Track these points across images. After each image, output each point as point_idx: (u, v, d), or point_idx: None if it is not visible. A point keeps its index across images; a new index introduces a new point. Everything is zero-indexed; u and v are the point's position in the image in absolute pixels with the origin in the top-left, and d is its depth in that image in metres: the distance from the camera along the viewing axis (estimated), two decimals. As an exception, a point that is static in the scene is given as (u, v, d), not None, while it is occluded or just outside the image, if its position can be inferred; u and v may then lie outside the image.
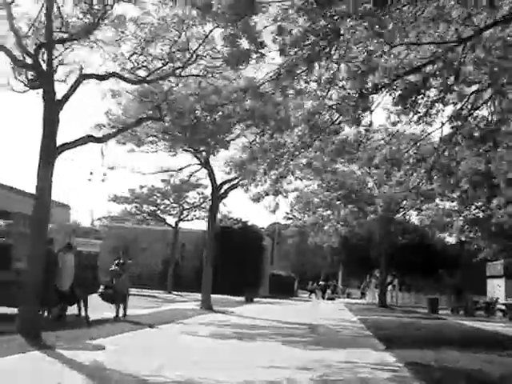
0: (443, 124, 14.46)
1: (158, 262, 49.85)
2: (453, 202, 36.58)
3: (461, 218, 39.99)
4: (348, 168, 34.13)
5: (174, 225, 47.27)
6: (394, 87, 12.77)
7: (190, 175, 26.97)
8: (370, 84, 12.29)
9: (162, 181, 44.10)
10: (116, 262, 16.67)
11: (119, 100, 19.71)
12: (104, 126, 19.87)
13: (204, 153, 25.19)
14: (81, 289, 15.94)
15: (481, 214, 39.61)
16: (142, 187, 45.95)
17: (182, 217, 47.06)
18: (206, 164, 25.00)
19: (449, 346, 13.96)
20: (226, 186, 25.46)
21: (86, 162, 25.31)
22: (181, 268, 50.09)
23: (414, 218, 44.00)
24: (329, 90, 13.55)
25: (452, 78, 13.22)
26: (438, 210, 37.66)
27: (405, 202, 28.86)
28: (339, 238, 41.75)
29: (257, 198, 16.00)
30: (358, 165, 27.60)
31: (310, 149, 15.07)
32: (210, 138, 19.46)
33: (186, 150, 23.94)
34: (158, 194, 46.45)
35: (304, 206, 41.00)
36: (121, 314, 16.77)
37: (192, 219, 47.99)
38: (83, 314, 15.77)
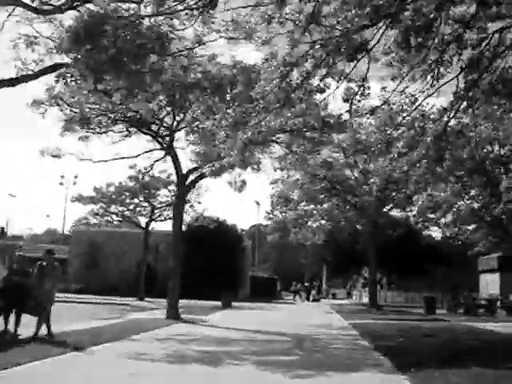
0: (461, 70, 11.11)
1: (132, 266, 45.78)
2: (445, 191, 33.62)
3: (454, 209, 37.14)
4: (331, 156, 30.96)
5: (144, 226, 43.39)
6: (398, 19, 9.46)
7: (153, 164, 23.27)
8: (368, 9, 8.96)
9: (130, 178, 40.49)
10: (38, 263, 12.92)
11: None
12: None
13: (167, 137, 21.80)
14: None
15: (475, 205, 36.79)
16: (108, 185, 42.16)
17: (153, 217, 43.26)
18: (168, 149, 21.50)
19: (478, 360, 10.65)
20: (192, 177, 21.95)
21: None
22: (154, 273, 46.13)
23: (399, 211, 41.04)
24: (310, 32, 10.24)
25: (474, 7, 9.95)
26: (429, 200, 34.75)
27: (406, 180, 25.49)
28: (323, 235, 38.42)
29: (218, 172, 12.53)
30: (346, 141, 24.36)
31: (287, 110, 11.67)
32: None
33: (146, 133, 20.48)
34: (127, 193, 42.67)
35: (284, 201, 37.69)
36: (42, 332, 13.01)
37: (165, 219, 44.17)
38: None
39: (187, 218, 45.14)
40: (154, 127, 21.29)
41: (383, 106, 12.54)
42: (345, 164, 33.86)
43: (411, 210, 41.01)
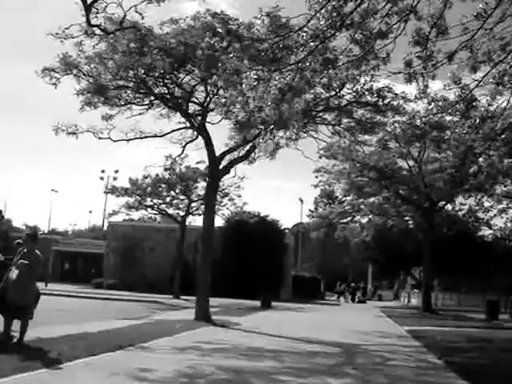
0: None
1: (170, 263, 43.34)
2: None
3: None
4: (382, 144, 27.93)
5: (181, 220, 40.93)
6: None
7: (184, 146, 20.56)
8: None
9: (166, 169, 38.13)
10: (20, 250, 10.31)
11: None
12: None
13: (199, 117, 19.25)
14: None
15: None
16: (145, 177, 39.91)
17: (190, 210, 40.81)
18: (200, 130, 18.93)
19: None
20: (224, 162, 19.31)
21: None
22: (193, 270, 43.59)
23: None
24: None
25: None
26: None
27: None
28: (372, 231, 35.16)
29: (245, 125, 9.72)
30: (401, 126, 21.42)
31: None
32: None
33: (170, 106, 17.97)
34: (163, 185, 40.37)
35: (328, 197, 34.81)
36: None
37: (203, 213, 41.66)
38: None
39: (226, 212, 42.79)
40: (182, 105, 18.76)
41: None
42: (397, 153, 30.81)
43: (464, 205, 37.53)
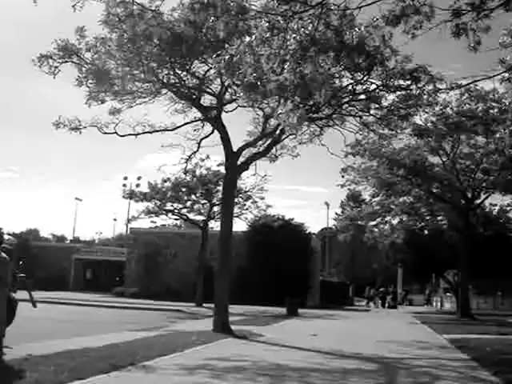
0: None
1: (192, 270, 41.66)
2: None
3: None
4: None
5: (203, 225, 39.25)
6: None
7: (200, 142, 18.89)
8: None
9: (185, 172, 36.54)
10: None
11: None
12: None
13: (215, 111, 17.65)
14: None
15: None
16: (164, 181, 38.40)
17: (212, 215, 39.13)
18: (216, 123, 17.29)
19: None
20: (243, 159, 17.65)
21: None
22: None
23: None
24: None
25: None
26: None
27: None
28: (404, 232, 33.05)
29: (251, 87, 7.89)
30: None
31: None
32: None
33: (181, 95, 16.36)
34: (184, 189, 38.79)
35: (355, 197, 32.90)
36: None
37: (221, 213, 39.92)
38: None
39: (249, 216, 41.01)
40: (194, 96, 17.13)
41: None
42: (428, 148, 28.81)
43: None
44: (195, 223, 39.24)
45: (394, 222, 31.27)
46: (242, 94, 10.99)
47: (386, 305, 52.05)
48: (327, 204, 66.43)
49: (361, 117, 19.87)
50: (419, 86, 15.64)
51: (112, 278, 52.57)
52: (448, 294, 55.40)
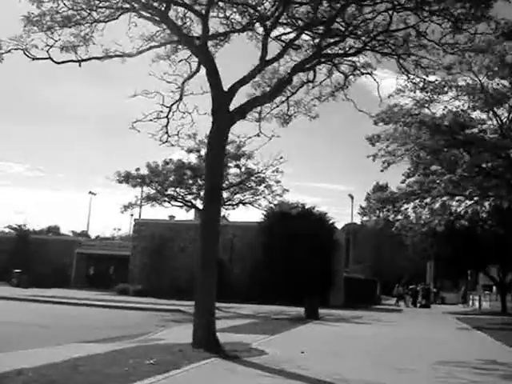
0: None
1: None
2: None
3: None
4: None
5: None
6: None
7: (183, 83, 13.59)
8: None
9: (189, 150, 31.65)
10: None
11: None
12: None
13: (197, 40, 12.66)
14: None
15: None
16: (166, 163, 33.60)
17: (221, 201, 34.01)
18: (200, 51, 12.25)
19: None
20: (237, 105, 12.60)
21: None
22: (228, 272, 37.04)
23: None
24: None
25: None
26: None
27: None
28: (446, 219, 27.52)
29: None
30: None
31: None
32: None
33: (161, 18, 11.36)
34: (189, 172, 33.79)
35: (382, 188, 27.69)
36: None
37: (236, 204, 34.92)
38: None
39: (263, 203, 35.74)
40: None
41: None
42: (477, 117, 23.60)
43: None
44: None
45: (436, 206, 25.89)
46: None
47: (418, 304, 46.77)
48: (351, 196, 61.08)
49: (400, 56, 14.93)
50: None
51: (116, 274, 48.16)
52: (487, 292, 50.02)
